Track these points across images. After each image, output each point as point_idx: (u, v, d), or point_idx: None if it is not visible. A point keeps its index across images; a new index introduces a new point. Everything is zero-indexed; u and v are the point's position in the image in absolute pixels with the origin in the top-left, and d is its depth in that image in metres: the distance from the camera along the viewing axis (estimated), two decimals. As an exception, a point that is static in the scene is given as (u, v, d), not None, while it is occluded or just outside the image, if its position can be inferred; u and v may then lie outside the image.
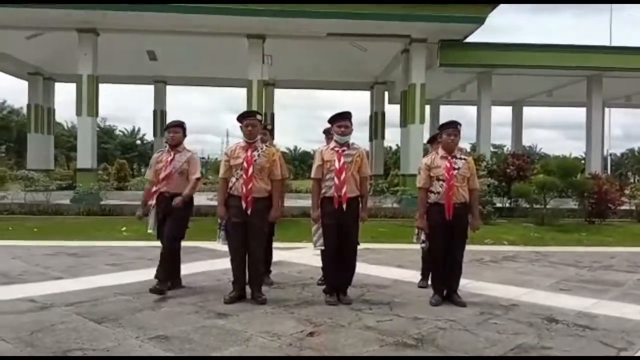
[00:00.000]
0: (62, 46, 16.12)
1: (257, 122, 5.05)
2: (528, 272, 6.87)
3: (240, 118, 5.06)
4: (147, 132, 53.36)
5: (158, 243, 8.79)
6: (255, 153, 4.98)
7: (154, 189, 5.50)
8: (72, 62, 14.55)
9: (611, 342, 3.99)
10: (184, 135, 5.59)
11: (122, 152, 54.35)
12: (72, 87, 14.47)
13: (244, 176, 4.91)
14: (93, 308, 4.71)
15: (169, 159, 5.44)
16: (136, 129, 61.69)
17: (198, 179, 5.47)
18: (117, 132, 61.14)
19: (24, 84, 20.32)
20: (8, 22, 13.75)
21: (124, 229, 10.53)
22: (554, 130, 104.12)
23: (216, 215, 5.19)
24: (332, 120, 5.16)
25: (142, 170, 49.27)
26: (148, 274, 6.17)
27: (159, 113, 22.60)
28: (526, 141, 61.12)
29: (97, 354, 3.57)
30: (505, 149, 45.01)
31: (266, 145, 5.16)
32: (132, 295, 5.20)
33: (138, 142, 60.64)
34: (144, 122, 63.27)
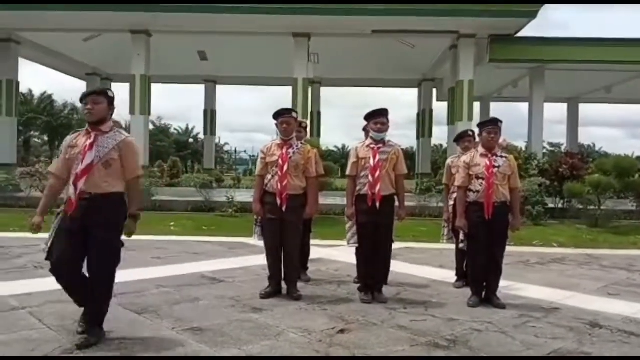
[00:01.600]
0: (117, 47, 16.73)
1: (292, 120, 5.09)
2: (576, 275, 6.61)
3: (276, 116, 5.11)
4: (201, 131, 54.79)
5: (204, 238, 9.16)
6: (291, 150, 5.02)
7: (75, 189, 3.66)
8: (127, 62, 15.10)
9: (657, 350, 3.79)
10: (111, 108, 3.79)
11: (176, 150, 55.99)
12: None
13: (279, 173, 4.96)
14: (135, 299, 4.89)
15: (89, 142, 3.68)
16: (190, 127, 63.36)
17: (139, 178, 3.87)
18: (171, 130, 63.00)
19: (84, 85, 21.29)
20: (66, 25, 14.45)
21: (172, 223, 10.86)
22: (617, 129, 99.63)
23: (253, 211, 5.25)
24: (369, 117, 5.15)
25: (196, 167, 50.56)
26: (191, 268, 6.45)
27: (209, 112, 23.18)
28: (585, 140, 58.91)
29: (133, 343, 3.70)
30: (562, 147, 43.38)
31: (301, 143, 5.20)
32: (173, 288, 5.36)
33: (191, 140, 62.24)
34: (198, 121, 64.99)
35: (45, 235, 3.88)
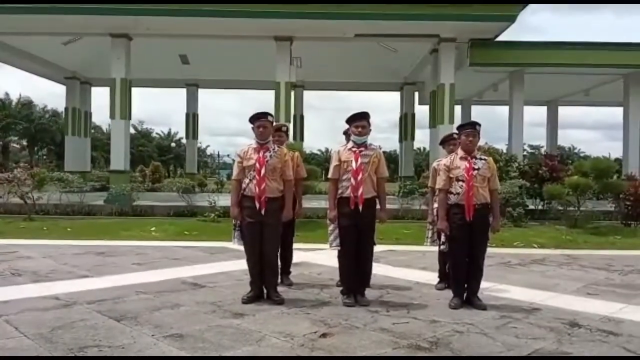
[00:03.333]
0: (97, 51, 16.59)
1: (268, 123, 5.07)
2: (556, 276, 6.69)
3: (252, 119, 5.09)
4: (183, 135, 54.24)
5: (185, 243, 9.08)
6: (268, 154, 5.01)
7: None
8: (107, 66, 14.92)
9: (635, 349, 3.84)
10: None
11: (158, 154, 55.59)
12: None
13: (257, 177, 4.94)
14: (114, 306, 4.80)
15: None
16: (172, 131, 62.94)
17: None
18: (153, 134, 62.54)
19: (63, 88, 21.02)
20: (45, 29, 14.25)
21: (153, 229, 10.75)
22: (595, 131, 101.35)
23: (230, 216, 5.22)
24: (350, 120, 5.15)
25: (179, 171, 50.11)
26: (171, 274, 6.38)
27: (191, 116, 23.03)
28: (565, 142, 59.86)
29: (112, 351, 3.63)
30: (542, 149, 44.00)
31: (278, 146, 5.18)
32: (153, 294, 5.29)
33: (173, 144, 61.82)
34: (180, 125, 64.86)
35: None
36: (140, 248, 8.41)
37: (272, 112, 5.45)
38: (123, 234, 10.20)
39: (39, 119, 47.16)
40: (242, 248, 5.17)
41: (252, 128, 5.10)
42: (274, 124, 5.30)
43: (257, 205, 4.93)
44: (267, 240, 4.99)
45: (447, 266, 5.61)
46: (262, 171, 4.94)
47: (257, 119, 5.07)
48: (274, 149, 5.08)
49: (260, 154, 5.00)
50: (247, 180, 5.03)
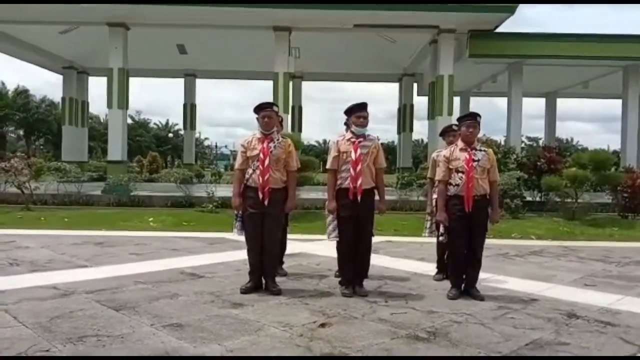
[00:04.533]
0: (94, 40, 16.46)
1: (273, 114, 5.05)
2: (553, 267, 6.71)
3: (257, 110, 5.06)
4: (181, 125, 54.05)
5: (183, 233, 9.08)
6: (272, 144, 4.99)
7: None
8: (105, 56, 14.85)
9: (632, 339, 3.86)
10: None
11: (156, 145, 55.41)
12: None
13: (261, 167, 4.92)
14: (112, 296, 4.81)
15: None
16: (170, 122, 62.70)
17: None
18: (151, 125, 62.32)
19: (59, 78, 20.91)
20: (42, 18, 14.14)
21: (151, 219, 10.74)
22: (594, 123, 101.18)
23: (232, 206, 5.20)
24: (351, 111, 5.12)
25: (176, 162, 49.96)
26: (170, 264, 6.39)
27: (189, 106, 22.94)
28: (564, 134, 59.89)
29: (111, 340, 3.63)
30: (540, 141, 44.00)
31: (282, 137, 5.16)
32: (151, 284, 5.29)
33: (171, 134, 61.62)
34: (178, 115, 64.66)
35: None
36: (139, 238, 8.41)
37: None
38: (121, 224, 10.20)
39: (35, 108, 46.90)
40: (242, 238, 5.16)
41: (257, 118, 5.07)
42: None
43: (261, 195, 4.92)
44: (269, 231, 4.99)
45: (445, 257, 5.63)
46: (266, 162, 4.92)
47: (262, 109, 5.04)
48: (278, 140, 5.05)
49: (265, 145, 4.97)
50: (250, 171, 5.01)
